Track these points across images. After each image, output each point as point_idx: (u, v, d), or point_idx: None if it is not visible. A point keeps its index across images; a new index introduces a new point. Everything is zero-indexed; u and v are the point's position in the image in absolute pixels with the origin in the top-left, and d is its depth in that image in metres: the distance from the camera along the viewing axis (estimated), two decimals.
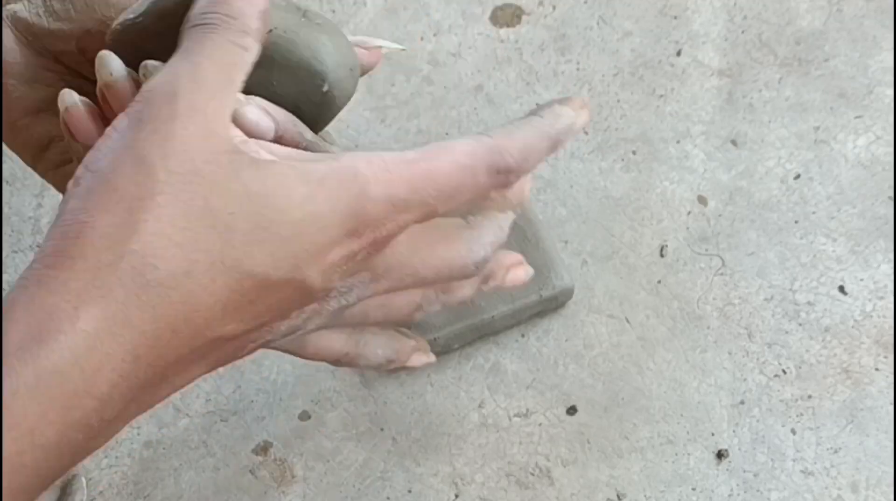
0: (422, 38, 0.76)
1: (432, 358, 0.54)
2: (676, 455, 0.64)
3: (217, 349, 0.41)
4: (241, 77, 0.42)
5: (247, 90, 0.44)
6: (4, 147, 0.71)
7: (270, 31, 0.46)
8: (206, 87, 0.41)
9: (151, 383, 0.40)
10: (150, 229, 0.39)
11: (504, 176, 0.44)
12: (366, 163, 0.41)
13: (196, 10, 0.43)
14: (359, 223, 0.41)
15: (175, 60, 0.42)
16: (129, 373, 0.38)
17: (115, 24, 0.47)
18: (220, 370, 0.66)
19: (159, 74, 0.41)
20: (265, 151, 0.42)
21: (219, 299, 0.40)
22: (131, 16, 0.47)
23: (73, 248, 0.39)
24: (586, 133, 0.73)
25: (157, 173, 0.39)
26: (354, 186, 0.41)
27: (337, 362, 0.50)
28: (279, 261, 0.40)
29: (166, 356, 0.39)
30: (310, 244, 0.41)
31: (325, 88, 0.47)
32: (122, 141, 0.40)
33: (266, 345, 0.44)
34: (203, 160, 0.40)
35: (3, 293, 0.67)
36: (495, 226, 0.48)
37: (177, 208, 0.39)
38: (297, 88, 0.47)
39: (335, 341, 0.49)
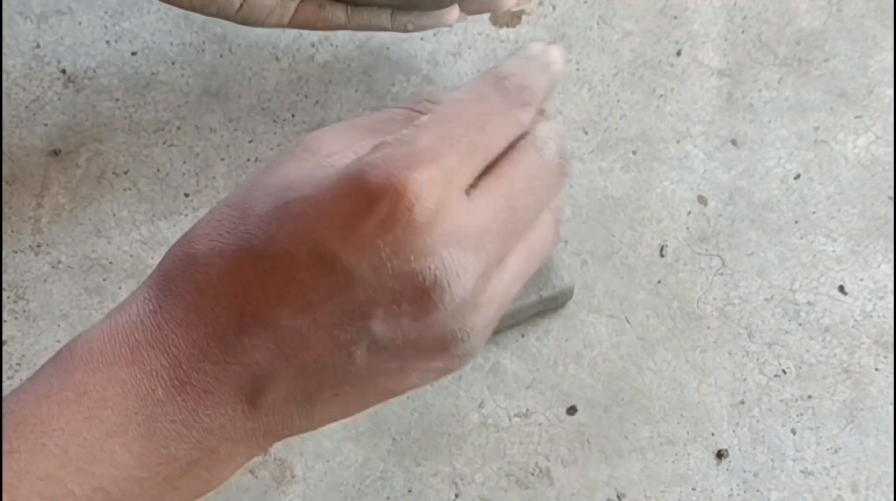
0: (422, 38, 0.76)
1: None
2: (676, 455, 0.64)
3: (315, 361, 0.42)
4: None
5: None
6: (5, 147, 0.71)
7: None
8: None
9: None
10: (206, 217, 0.43)
11: (514, 91, 0.44)
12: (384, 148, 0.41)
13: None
14: (379, 185, 0.40)
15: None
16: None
17: None
18: None
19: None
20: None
21: (253, 279, 0.40)
22: None
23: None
24: (586, 133, 0.73)
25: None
26: (373, 156, 0.41)
27: None
28: (297, 237, 0.40)
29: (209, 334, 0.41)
30: (326, 217, 0.40)
31: None
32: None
33: (403, 374, 0.43)
34: (285, 163, 0.43)
35: (3, 293, 0.67)
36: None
37: (229, 197, 0.43)
38: None
39: None
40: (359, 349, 0.42)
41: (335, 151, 0.43)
